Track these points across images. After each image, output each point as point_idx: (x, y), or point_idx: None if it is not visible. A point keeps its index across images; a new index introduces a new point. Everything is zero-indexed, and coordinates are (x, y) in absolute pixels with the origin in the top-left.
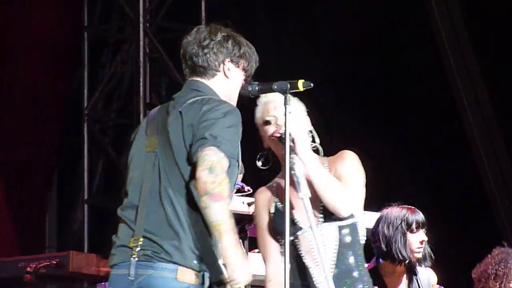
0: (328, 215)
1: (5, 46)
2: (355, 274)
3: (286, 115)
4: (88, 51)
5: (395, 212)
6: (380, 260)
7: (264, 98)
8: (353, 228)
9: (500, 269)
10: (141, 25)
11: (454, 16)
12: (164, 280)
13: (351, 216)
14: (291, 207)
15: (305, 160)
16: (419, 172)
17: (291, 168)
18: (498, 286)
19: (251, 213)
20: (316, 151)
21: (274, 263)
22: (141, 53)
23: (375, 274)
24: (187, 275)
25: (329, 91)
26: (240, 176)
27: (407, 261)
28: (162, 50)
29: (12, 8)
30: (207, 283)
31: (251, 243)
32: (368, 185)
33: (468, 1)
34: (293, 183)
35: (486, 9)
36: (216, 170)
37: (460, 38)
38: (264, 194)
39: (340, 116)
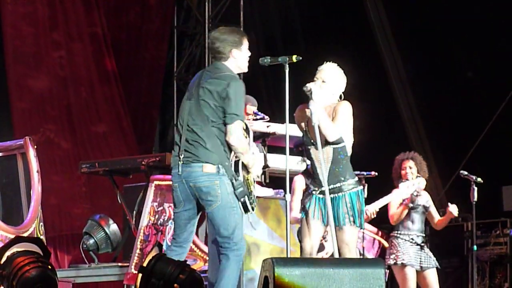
0: (327, 140)
1: (135, 37)
2: (342, 172)
3: (286, 76)
4: (176, 39)
5: None
6: None
7: (319, 67)
8: (341, 148)
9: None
10: (206, 24)
11: None
12: (196, 172)
13: (341, 141)
14: (309, 129)
15: (315, 107)
16: None
17: (310, 108)
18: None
19: (269, 132)
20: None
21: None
22: (206, 41)
23: (306, 173)
24: (209, 167)
25: None
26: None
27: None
28: None
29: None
30: (221, 171)
31: (269, 149)
32: None
33: None
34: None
35: None
36: (241, 137)
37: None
38: (301, 111)
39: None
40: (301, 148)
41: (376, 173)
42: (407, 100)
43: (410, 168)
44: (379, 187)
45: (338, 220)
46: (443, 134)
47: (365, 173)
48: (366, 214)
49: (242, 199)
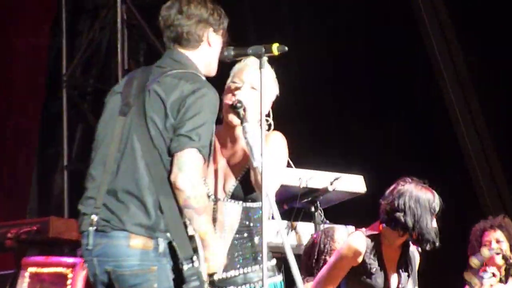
0: (237, 193)
1: None
2: (252, 248)
3: (262, 79)
4: (66, 17)
5: (423, 191)
6: (384, 225)
7: (239, 64)
8: (259, 208)
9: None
10: None
11: None
12: (117, 248)
13: (258, 198)
14: (207, 173)
15: (254, 137)
16: (401, 141)
17: (244, 136)
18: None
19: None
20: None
21: None
22: (118, 20)
23: (376, 239)
24: (140, 242)
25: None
26: None
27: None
28: (139, 17)
29: None
30: (161, 248)
31: None
32: (353, 149)
33: None
34: (216, 149)
35: None
36: (196, 182)
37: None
38: None
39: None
40: (290, 205)
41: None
42: (470, 117)
43: (498, 242)
44: (428, 270)
45: None
46: None
47: None
48: None
49: None
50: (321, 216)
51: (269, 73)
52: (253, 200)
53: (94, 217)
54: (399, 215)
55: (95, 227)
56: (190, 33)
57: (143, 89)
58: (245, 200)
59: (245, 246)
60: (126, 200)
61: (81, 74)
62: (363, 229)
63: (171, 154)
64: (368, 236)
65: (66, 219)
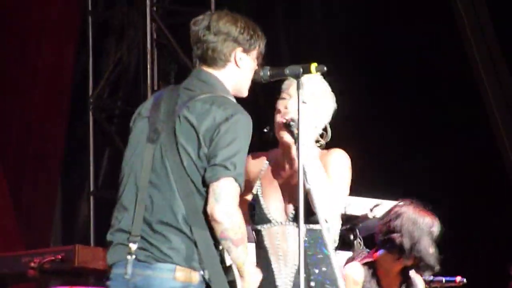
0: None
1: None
2: (323, 273)
3: (299, 102)
4: (92, 36)
5: (421, 215)
6: (381, 251)
7: (288, 80)
8: (320, 233)
9: None
10: (147, 9)
11: None
12: (162, 281)
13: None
14: (267, 196)
15: (309, 158)
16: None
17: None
18: None
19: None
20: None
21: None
22: (148, 39)
23: (372, 267)
24: (186, 274)
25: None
26: None
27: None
28: (170, 36)
29: None
30: (207, 281)
31: None
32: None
33: None
34: (276, 170)
35: None
36: (234, 213)
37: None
38: (258, 162)
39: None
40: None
41: (464, 280)
42: None
43: None
44: None
45: None
46: None
47: (443, 279)
48: None
49: None
50: (360, 244)
51: (325, 86)
52: (316, 223)
53: (133, 246)
54: (396, 235)
55: (134, 256)
56: (215, 50)
57: (172, 115)
58: (307, 223)
59: (310, 273)
60: (165, 232)
61: (108, 96)
62: (358, 258)
63: (206, 184)
64: (364, 265)
65: (93, 247)
